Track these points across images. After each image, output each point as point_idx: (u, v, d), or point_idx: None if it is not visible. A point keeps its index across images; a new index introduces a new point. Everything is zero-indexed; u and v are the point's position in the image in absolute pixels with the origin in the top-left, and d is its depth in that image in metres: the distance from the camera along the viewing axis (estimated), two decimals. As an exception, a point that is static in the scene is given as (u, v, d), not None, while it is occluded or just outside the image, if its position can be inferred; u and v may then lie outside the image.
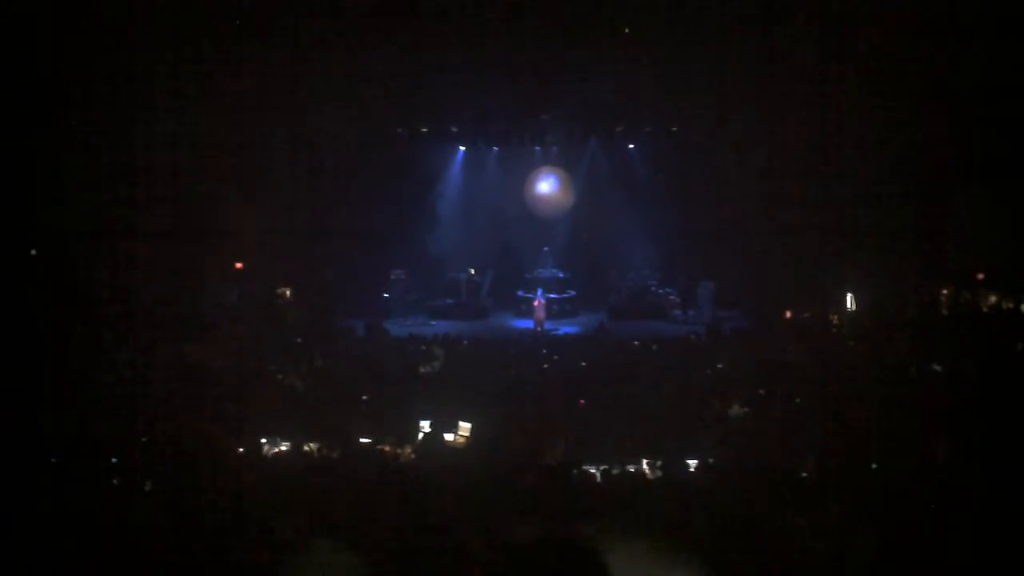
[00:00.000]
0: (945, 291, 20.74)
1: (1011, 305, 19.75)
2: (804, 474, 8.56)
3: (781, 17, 17.59)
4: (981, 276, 20.63)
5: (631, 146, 24.88)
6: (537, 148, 25.31)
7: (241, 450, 9.84)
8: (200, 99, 18.23)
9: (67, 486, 7.23)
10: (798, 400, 11.84)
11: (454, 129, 24.33)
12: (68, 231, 15.41)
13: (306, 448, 9.72)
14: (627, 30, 18.75)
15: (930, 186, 20.00)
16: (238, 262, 21.25)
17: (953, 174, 20.14)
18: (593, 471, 9.04)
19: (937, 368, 13.56)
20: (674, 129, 23.54)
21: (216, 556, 6.37)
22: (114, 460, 8.10)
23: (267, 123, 20.21)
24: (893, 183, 19.70)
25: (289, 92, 19.74)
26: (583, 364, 15.13)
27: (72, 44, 14.97)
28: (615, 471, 9.01)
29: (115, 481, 7.74)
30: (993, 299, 20.19)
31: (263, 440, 10.16)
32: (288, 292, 22.23)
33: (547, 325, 21.58)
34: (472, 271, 23.98)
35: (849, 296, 20.88)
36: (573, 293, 24.22)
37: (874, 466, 8.53)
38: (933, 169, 19.80)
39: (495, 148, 25.43)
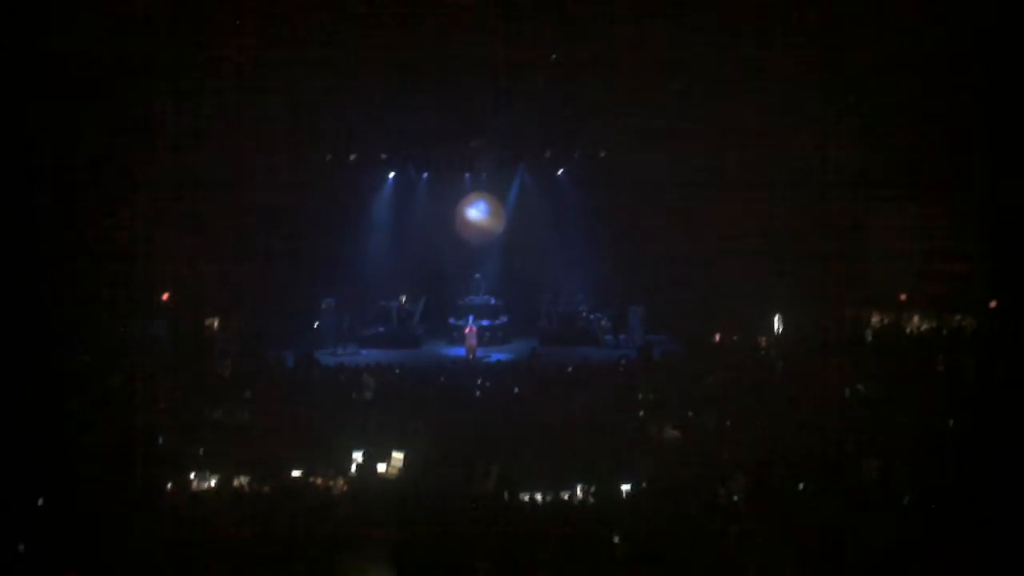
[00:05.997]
0: (871, 314, 21.19)
1: (933, 325, 20.25)
2: (735, 496, 8.66)
3: (710, 40, 17.82)
4: (904, 298, 21.12)
5: (560, 171, 25.01)
6: (467, 174, 25.32)
7: (170, 485, 9.67)
8: (124, 125, 17.95)
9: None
10: (728, 423, 11.97)
11: (383, 155, 24.24)
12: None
13: (236, 482, 9.57)
14: (554, 56, 18.88)
15: (853, 210, 20.47)
16: (164, 292, 20.85)
17: (875, 198, 20.63)
18: (526, 498, 9.05)
19: (862, 389, 13.82)
20: (603, 154, 23.71)
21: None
22: (40, 501, 7.91)
23: (193, 150, 19.87)
24: (817, 208, 20.12)
25: (217, 119, 19.49)
26: (516, 391, 15.12)
27: None
28: (548, 497, 9.02)
29: (41, 521, 7.55)
30: (916, 320, 20.69)
31: (192, 475, 9.99)
32: (216, 323, 21.85)
33: (479, 352, 21.53)
34: (403, 298, 23.83)
35: (777, 319, 21.16)
36: (505, 320, 24.20)
37: (801, 486, 8.67)
38: (856, 193, 20.27)
39: (425, 174, 25.40)
